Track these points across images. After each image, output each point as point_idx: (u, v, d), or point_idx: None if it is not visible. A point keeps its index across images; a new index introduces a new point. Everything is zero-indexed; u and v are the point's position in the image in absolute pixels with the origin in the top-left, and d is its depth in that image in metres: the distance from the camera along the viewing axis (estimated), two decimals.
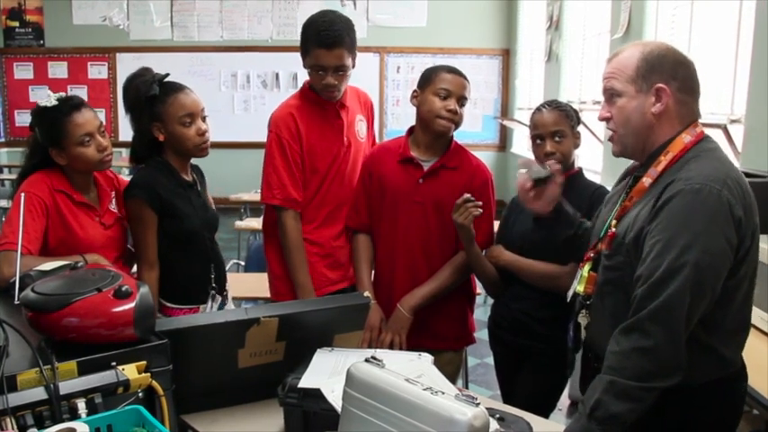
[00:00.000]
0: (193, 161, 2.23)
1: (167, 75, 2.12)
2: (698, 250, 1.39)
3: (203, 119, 2.13)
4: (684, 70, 1.53)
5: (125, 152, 7.70)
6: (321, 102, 2.33)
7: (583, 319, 1.70)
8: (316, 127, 2.32)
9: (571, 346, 1.79)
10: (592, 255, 1.67)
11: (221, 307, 2.22)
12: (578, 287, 1.69)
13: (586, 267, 1.67)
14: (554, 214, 1.87)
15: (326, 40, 2.17)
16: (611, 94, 1.57)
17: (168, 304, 2.13)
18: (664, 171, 1.51)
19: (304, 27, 2.26)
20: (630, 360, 1.42)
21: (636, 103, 1.53)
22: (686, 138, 1.52)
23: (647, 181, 1.54)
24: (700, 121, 1.58)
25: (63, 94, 2.02)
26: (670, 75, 1.51)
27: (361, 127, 2.46)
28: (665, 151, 1.52)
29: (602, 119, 1.63)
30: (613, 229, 1.58)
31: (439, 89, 2.14)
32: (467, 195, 2.04)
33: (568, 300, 1.79)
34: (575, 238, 1.87)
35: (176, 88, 2.10)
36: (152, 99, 2.07)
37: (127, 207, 2.11)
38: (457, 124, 2.18)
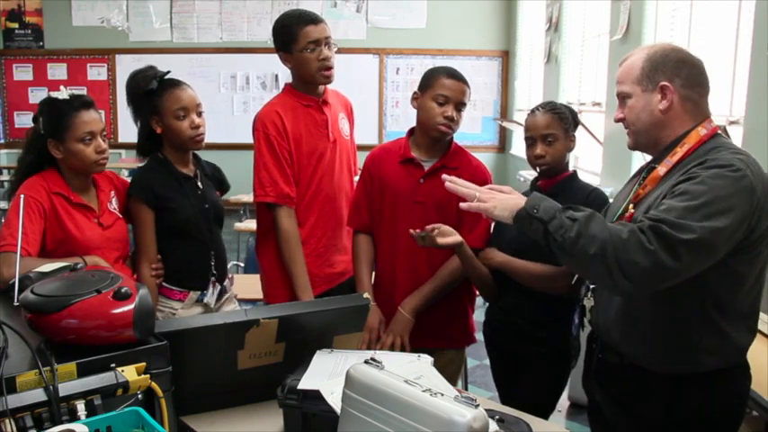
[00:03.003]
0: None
1: (168, 72, 2.25)
2: (715, 210, 1.42)
3: (199, 114, 2.24)
4: (689, 68, 1.60)
5: (125, 153, 7.70)
6: (304, 99, 2.38)
7: (588, 302, 1.74)
8: (301, 123, 2.35)
9: (575, 333, 1.80)
10: None
11: (220, 295, 2.33)
12: None
13: None
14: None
15: (310, 16, 2.31)
16: (622, 97, 1.67)
17: (164, 284, 2.27)
18: (680, 161, 1.58)
19: (279, 25, 2.35)
20: (627, 236, 1.41)
21: (643, 102, 1.61)
22: (702, 131, 1.59)
23: (661, 170, 1.61)
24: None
25: (76, 91, 2.09)
26: (674, 73, 1.59)
27: (344, 125, 2.50)
28: (682, 143, 1.59)
29: (617, 121, 1.71)
30: (632, 211, 1.62)
31: (437, 95, 2.15)
32: (426, 229, 2.00)
33: (573, 281, 1.79)
34: None
35: (173, 84, 2.23)
36: (150, 93, 2.19)
37: (128, 206, 2.23)
38: (453, 131, 2.19)
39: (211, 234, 2.30)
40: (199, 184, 2.30)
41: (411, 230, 2.01)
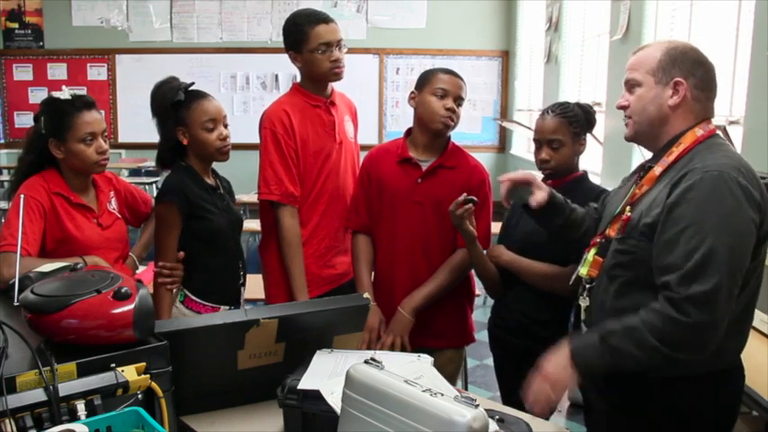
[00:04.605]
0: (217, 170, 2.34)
1: (193, 83, 2.22)
2: (729, 233, 1.43)
3: (225, 125, 2.21)
4: (703, 70, 1.61)
5: (125, 153, 7.72)
6: (313, 99, 2.38)
7: (583, 302, 1.75)
8: (308, 123, 2.36)
9: (572, 331, 1.80)
10: (599, 240, 1.71)
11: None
12: (582, 270, 1.73)
13: (592, 252, 1.71)
14: (548, 204, 1.86)
15: (322, 15, 2.31)
16: (631, 85, 1.66)
17: (193, 297, 2.20)
18: (675, 161, 1.58)
19: (290, 24, 2.35)
20: (663, 323, 1.44)
21: (653, 94, 1.61)
22: (699, 131, 1.59)
23: (657, 170, 1.61)
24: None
25: (77, 91, 2.07)
26: (689, 71, 1.59)
27: (349, 127, 2.51)
28: (678, 143, 1.59)
29: (619, 107, 1.70)
30: (628, 214, 1.62)
31: (436, 89, 2.17)
32: (461, 198, 2.01)
33: (571, 282, 1.80)
34: (565, 226, 1.89)
35: (200, 95, 2.20)
36: (177, 105, 2.15)
37: (157, 210, 2.19)
38: (455, 123, 2.19)
39: (236, 244, 2.30)
40: (222, 193, 2.29)
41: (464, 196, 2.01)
